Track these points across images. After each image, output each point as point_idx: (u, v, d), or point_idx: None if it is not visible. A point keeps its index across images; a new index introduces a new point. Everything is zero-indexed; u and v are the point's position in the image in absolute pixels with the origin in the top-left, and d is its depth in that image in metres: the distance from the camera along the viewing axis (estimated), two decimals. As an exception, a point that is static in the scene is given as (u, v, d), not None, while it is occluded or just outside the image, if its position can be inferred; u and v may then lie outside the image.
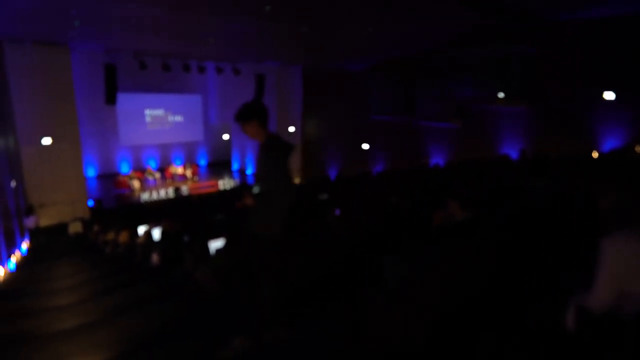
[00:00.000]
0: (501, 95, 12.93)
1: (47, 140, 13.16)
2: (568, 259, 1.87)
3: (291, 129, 19.96)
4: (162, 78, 18.44)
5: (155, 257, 6.06)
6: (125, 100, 18.11)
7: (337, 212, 3.54)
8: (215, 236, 4.91)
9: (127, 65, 15.64)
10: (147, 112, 21.09)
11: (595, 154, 9.69)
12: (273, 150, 2.75)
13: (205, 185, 18.92)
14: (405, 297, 1.98)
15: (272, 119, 19.30)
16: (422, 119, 14.95)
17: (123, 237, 8.27)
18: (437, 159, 14.22)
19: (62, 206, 13.78)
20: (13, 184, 10.86)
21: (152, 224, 7.03)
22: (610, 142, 10.00)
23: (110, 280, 5.48)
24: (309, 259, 2.71)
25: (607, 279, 1.61)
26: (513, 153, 11.84)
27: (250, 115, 2.71)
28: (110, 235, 9.13)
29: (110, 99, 15.09)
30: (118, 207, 15.45)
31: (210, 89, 22.97)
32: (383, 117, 16.70)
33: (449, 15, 10.08)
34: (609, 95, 9.88)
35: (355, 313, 2.43)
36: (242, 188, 11.53)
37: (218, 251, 3.98)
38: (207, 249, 4.55)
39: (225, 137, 23.59)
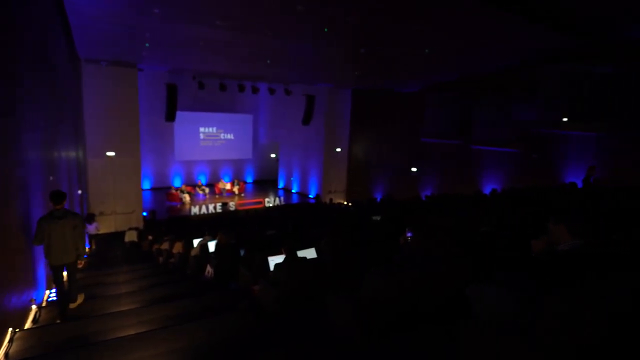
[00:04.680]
0: (565, 119, 12.13)
1: (111, 154, 14.05)
2: None
3: (338, 150, 19.99)
4: (217, 98, 19.34)
5: (209, 270, 6.08)
6: (182, 118, 19.06)
7: (409, 234, 3.32)
8: (272, 251, 4.83)
9: (186, 85, 16.54)
10: (201, 129, 22.09)
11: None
12: (43, 220, 4.46)
13: (251, 202, 19.25)
14: (522, 336, 1.73)
15: (319, 140, 19.62)
16: (479, 142, 14.34)
17: (177, 248, 8.44)
18: (492, 185, 13.49)
19: (119, 215, 14.54)
20: (79, 192, 11.59)
21: (208, 236, 7.11)
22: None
23: (166, 289, 5.54)
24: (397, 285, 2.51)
25: None
26: (579, 181, 10.98)
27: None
28: (165, 246, 9.37)
29: (170, 117, 15.95)
30: (169, 219, 16.01)
31: (261, 108, 23.73)
32: (434, 139, 16.26)
33: (515, 35, 9.69)
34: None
35: (448, 341, 2.18)
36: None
37: (277, 266, 3.87)
38: (267, 264, 4.46)
39: (273, 155, 24.09)
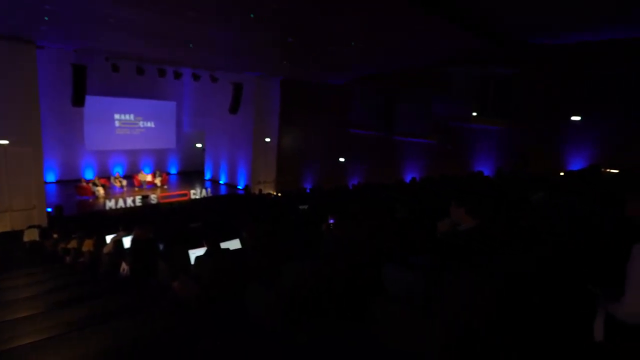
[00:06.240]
0: (474, 114, 13.37)
1: (3, 142, 12.26)
2: (595, 270, 1.83)
3: (267, 139, 19.76)
4: (135, 82, 17.82)
5: (124, 267, 5.65)
6: (93, 104, 17.29)
7: (331, 220, 3.41)
8: (194, 245, 4.63)
9: (97, 67, 14.99)
10: (117, 116, 20.25)
11: (562, 173, 10.10)
12: None
13: (175, 194, 18.25)
14: (424, 309, 1.86)
15: (248, 129, 19.20)
16: (400, 134, 15.19)
17: (87, 245, 7.70)
18: (413, 174, 14.40)
19: (17, 212, 12.85)
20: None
21: (123, 231, 6.59)
22: (577, 162, 10.50)
23: (73, 291, 5.04)
24: (314, 270, 2.55)
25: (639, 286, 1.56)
26: (486, 170, 12.17)
27: None
28: (72, 244, 8.50)
29: (78, 101, 14.32)
30: (80, 215, 14.56)
31: (185, 96, 22.44)
32: (361, 131, 16.84)
33: (436, 36, 10.35)
34: (576, 117, 10.45)
35: (365, 322, 2.28)
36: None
37: (198, 259, 3.72)
38: (187, 258, 4.26)
39: (199, 145, 23.02)
